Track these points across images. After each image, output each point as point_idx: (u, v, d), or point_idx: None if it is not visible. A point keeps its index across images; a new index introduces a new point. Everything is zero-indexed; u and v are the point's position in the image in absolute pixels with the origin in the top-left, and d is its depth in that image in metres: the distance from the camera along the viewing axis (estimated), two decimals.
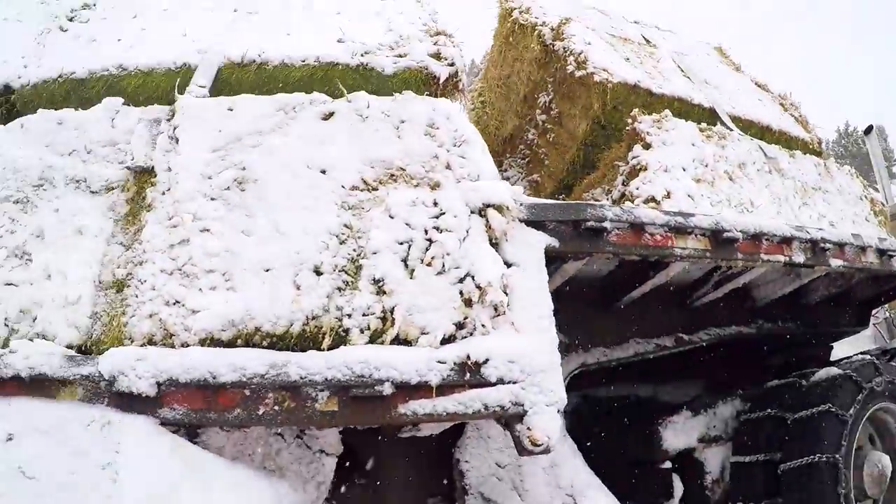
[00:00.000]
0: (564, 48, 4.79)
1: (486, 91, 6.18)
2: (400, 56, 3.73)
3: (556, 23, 5.01)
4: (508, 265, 2.49)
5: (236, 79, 3.65)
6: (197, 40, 3.84)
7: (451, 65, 3.79)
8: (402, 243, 2.36)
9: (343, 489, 2.93)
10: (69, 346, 2.29)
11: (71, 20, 4.51)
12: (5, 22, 4.54)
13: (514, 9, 5.56)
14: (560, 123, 5.14)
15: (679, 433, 3.98)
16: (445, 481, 3.25)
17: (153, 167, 2.61)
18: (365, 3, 4.65)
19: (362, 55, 3.67)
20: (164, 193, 2.53)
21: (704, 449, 4.05)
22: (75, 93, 3.64)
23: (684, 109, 4.62)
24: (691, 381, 4.82)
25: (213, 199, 2.49)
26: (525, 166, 5.65)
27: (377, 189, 2.47)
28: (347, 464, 2.91)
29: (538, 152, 5.46)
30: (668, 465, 4.00)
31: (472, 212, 2.49)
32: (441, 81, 3.71)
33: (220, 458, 2.30)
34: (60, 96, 3.63)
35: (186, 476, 2.10)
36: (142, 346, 2.23)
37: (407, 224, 2.39)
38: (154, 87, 3.61)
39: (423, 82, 3.68)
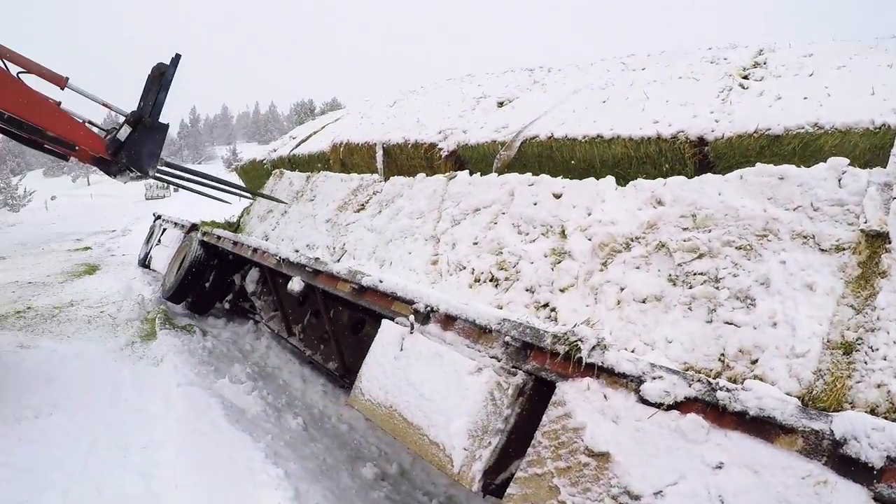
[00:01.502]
0: None
1: None
2: None
3: None
4: None
5: None
6: (888, 99, 3.98)
7: None
8: None
9: None
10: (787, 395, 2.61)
11: (745, 78, 5.16)
12: (680, 80, 5.46)
13: None
14: None
15: None
16: None
17: (887, 233, 2.79)
18: None
19: None
20: None
21: None
22: (769, 148, 4.12)
23: None
24: None
25: None
26: None
27: None
28: None
29: None
30: None
31: None
32: None
33: None
34: (754, 151, 4.16)
35: None
36: (864, 412, 2.42)
37: None
38: (851, 147, 3.86)
39: None
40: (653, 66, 6.19)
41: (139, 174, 5.62)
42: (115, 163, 5.51)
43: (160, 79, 5.42)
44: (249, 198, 7.29)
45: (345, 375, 5.89)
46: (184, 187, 6.58)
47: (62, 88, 5.27)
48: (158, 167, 5.73)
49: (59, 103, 5.31)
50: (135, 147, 5.48)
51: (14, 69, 4.98)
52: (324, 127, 10.14)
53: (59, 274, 12.96)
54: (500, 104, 6.41)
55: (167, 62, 5.47)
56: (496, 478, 3.27)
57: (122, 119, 5.58)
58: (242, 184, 11.39)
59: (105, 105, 5.65)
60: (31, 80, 5.08)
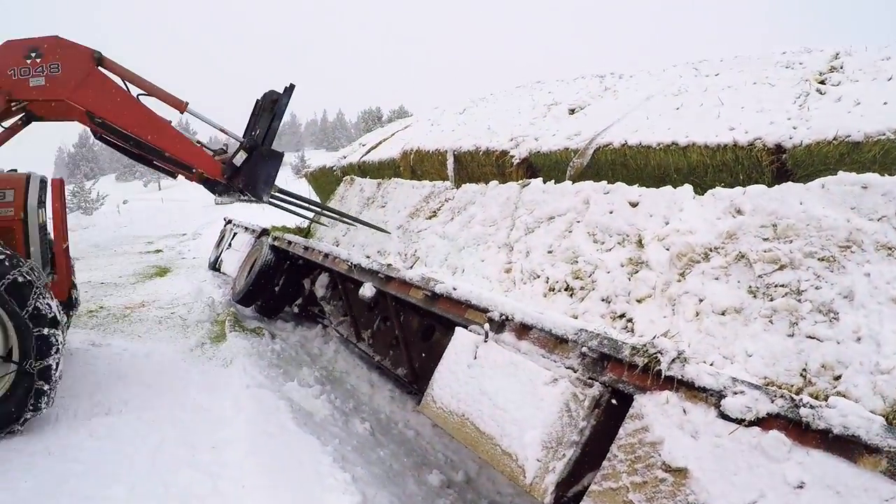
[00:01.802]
0: None
1: None
2: None
3: None
4: None
5: None
6: None
7: None
8: None
9: None
10: None
11: (822, 83, 5.06)
12: (755, 86, 5.38)
13: None
14: None
15: None
16: None
17: None
18: None
19: None
20: None
21: None
22: (849, 156, 4.04)
23: None
24: None
25: None
26: None
27: None
28: None
29: None
30: None
31: None
32: None
33: None
34: (833, 158, 4.08)
35: None
36: None
37: None
38: None
39: None
40: (726, 71, 6.13)
41: (252, 199, 5.81)
42: (230, 187, 5.71)
43: (272, 106, 5.58)
44: (354, 225, 7.38)
45: (414, 382, 5.95)
46: (293, 213, 6.73)
47: (182, 112, 5.49)
48: (272, 193, 5.92)
49: (170, 122, 5.52)
50: (250, 173, 5.69)
51: (135, 91, 5.22)
52: (393, 134, 10.31)
53: (131, 275, 13.43)
54: (572, 111, 6.43)
55: (279, 90, 5.61)
56: (568, 490, 3.25)
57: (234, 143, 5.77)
58: (313, 193, 11.60)
59: (221, 130, 5.85)
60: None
